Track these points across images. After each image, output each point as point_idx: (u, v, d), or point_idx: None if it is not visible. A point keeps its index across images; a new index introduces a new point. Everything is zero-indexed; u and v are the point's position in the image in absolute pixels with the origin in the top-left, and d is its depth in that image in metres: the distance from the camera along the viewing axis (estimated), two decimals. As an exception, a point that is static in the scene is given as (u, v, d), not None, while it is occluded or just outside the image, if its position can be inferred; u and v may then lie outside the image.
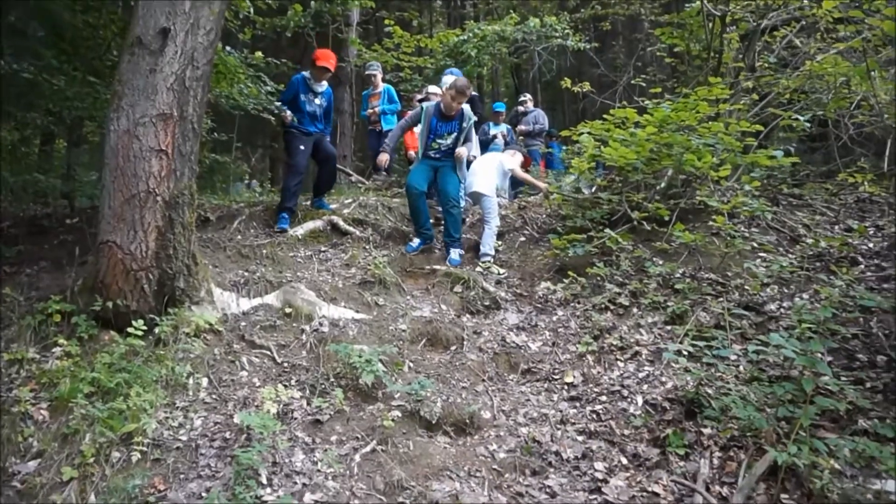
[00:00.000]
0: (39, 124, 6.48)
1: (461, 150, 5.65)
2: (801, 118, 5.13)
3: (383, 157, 5.74)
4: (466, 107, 5.60)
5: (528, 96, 10.62)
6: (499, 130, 8.98)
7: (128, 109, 3.79)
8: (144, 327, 3.63)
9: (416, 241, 5.68)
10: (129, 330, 3.58)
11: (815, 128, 6.65)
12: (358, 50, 11.85)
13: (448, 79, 6.89)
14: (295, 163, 6.05)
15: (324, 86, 6.15)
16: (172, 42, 3.85)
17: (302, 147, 6.01)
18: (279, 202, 6.03)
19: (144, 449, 2.97)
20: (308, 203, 6.48)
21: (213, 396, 3.47)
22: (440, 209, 6.00)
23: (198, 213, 5.28)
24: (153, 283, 3.85)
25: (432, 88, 8.02)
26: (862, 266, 4.37)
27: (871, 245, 4.68)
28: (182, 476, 2.88)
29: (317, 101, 6.12)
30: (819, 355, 3.10)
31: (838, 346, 3.41)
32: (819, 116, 5.69)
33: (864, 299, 3.52)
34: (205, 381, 3.56)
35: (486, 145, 8.48)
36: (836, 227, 5.26)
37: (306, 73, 6.11)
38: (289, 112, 5.98)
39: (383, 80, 8.82)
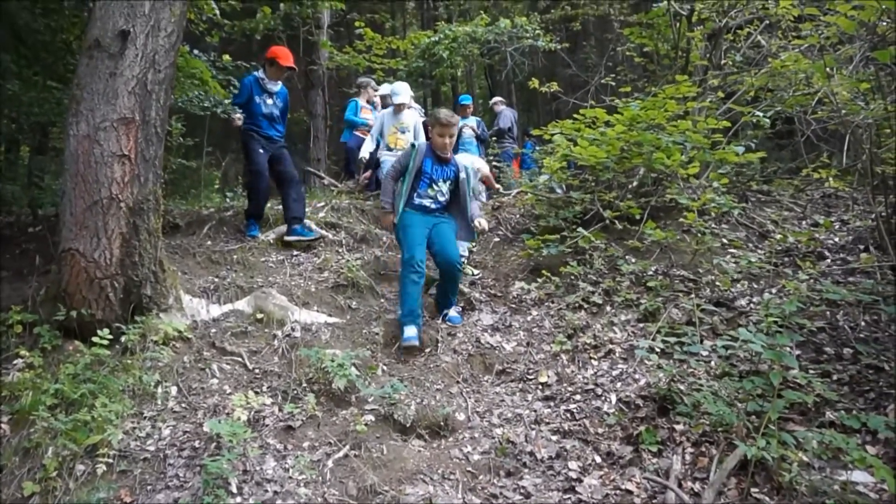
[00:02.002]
0: (1, 131, 6.29)
1: (481, 220, 4.63)
2: (763, 115, 5.21)
3: (389, 219, 4.59)
4: (468, 158, 4.90)
5: (498, 98, 10.68)
6: (466, 123, 8.88)
7: (87, 114, 3.70)
8: (110, 336, 3.54)
9: (411, 330, 4.10)
10: (95, 339, 3.49)
11: (782, 125, 6.77)
12: (329, 52, 11.77)
13: (400, 86, 6.84)
14: (255, 165, 5.67)
15: (278, 85, 5.80)
16: (132, 45, 3.77)
17: (261, 150, 5.65)
18: (246, 208, 5.83)
19: (110, 461, 2.89)
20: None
21: (183, 405, 3.40)
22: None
23: (166, 219, 5.18)
24: (119, 291, 3.76)
25: (384, 89, 8.04)
26: (828, 260, 4.45)
27: (836, 239, 4.77)
28: (149, 487, 2.81)
29: (270, 101, 5.73)
30: (787, 349, 3.15)
31: (805, 340, 3.46)
32: (783, 114, 5.78)
33: (830, 293, 3.57)
34: (174, 390, 3.49)
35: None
36: (804, 222, 5.36)
37: (259, 74, 5.74)
38: (239, 113, 5.65)
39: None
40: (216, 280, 4.69)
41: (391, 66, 11.86)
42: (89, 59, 3.76)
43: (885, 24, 4.29)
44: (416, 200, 4.48)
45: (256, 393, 3.49)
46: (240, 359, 3.85)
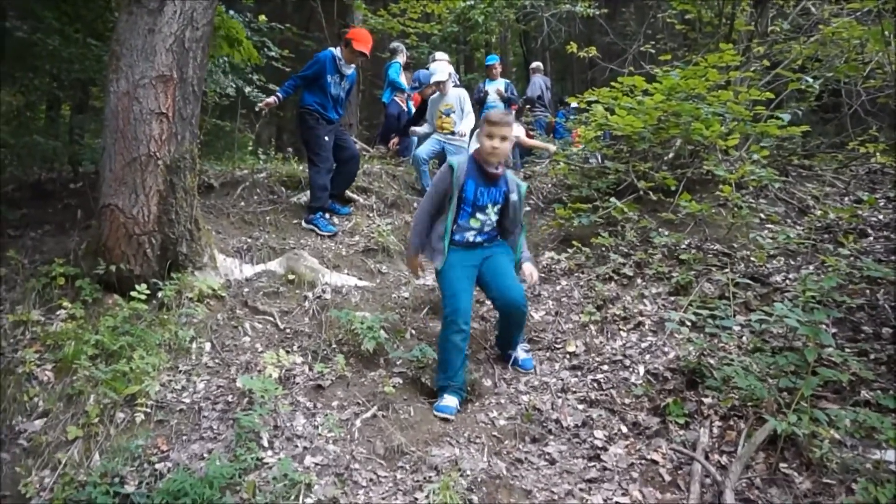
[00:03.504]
0: (43, 88, 6.41)
1: (532, 270, 3.56)
2: (811, 80, 5.00)
3: (415, 263, 3.63)
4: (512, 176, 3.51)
5: (537, 64, 10.40)
6: (493, 87, 8.36)
7: (127, 71, 3.74)
8: (148, 291, 3.64)
9: (451, 400, 3.22)
10: (133, 294, 3.60)
11: (828, 97, 6.52)
12: (364, 15, 11.64)
13: (437, 65, 6.37)
14: (322, 157, 5.23)
15: (351, 68, 5.43)
16: (171, 1, 3.78)
17: (327, 138, 5.24)
18: (310, 201, 5.30)
19: (148, 410, 3.00)
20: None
21: (216, 361, 3.49)
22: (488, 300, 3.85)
23: (201, 179, 5.27)
24: (156, 248, 3.85)
25: (439, 55, 7.80)
26: (871, 238, 4.31)
27: (880, 217, 4.62)
28: (185, 437, 2.91)
29: (343, 84, 5.39)
30: (823, 326, 3.08)
31: (843, 317, 3.38)
32: (830, 85, 5.55)
33: (871, 270, 3.47)
34: (207, 346, 3.58)
35: (480, 105, 8.02)
36: (846, 198, 5.19)
37: (336, 52, 5.30)
38: (272, 98, 5.34)
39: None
40: (249, 241, 4.76)
41: (425, 31, 11.71)
42: (129, 15, 3.78)
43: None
44: (457, 236, 3.41)
45: (287, 352, 3.56)
46: (271, 318, 3.92)
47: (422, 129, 6.55)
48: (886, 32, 4.07)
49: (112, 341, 3.27)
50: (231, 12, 6.77)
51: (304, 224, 5.26)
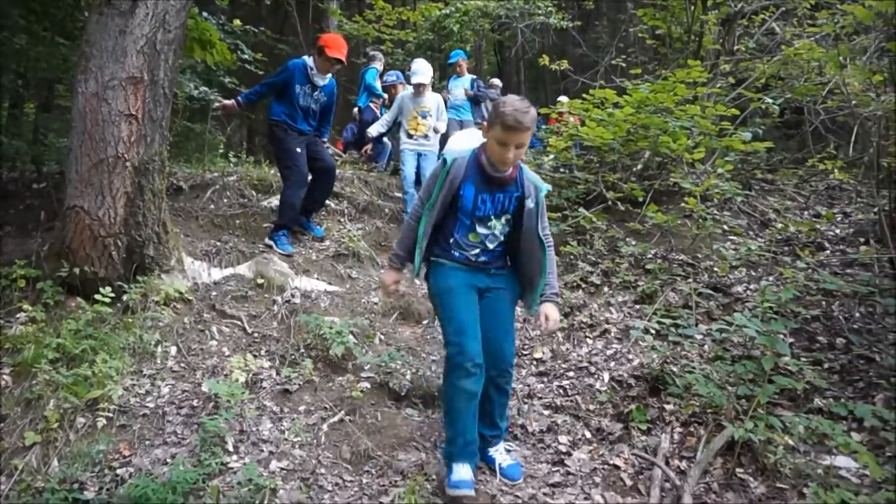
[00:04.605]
0: (8, 86, 6.27)
1: (549, 313, 2.68)
2: (772, 102, 5.18)
3: (391, 278, 2.87)
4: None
5: (496, 80, 10.17)
6: (461, 84, 7.97)
7: (96, 72, 3.69)
8: (112, 294, 3.58)
9: (464, 471, 2.58)
10: (97, 297, 3.53)
11: (790, 114, 6.73)
12: (339, 20, 11.66)
13: (421, 66, 5.98)
14: (294, 170, 4.83)
15: (327, 79, 4.99)
16: (143, 3, 3.75)
17: (298, 150, 4.84)
18: (277, 218, 4.94)
19: (110, 415, 2.95)
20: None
21: (182, 365, 3.45)
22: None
23: (170, 182, 5.21)
24: (121, 250, 3.79)
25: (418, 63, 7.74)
26: (828, 251, 4.47)
27: (837, 231, 4.79)
28: (147, 442, 2.87)
29: (315, 94, 4.95)
30: (780, 336, 3.18)
31: (800, 328, 3.50)
32: (792, 103, 5.75)
33: (827, 283, 3.60)
34: (173, 350, 3.54)
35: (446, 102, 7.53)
36: (806, 212, 5.36)
37: (308, 60, 4.89)
38: (229, 101, 4.98)
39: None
40: (218, 244, 4.72)
41: (400, 38, 11.76)
42: (99, 16, 3.74)
43: (902, 15, 4.25)
44: (456, 251, 2.72)
45: (255, 356, 3.54)
46: (239, 322, 3.90)
47: (376, 127, 6.24)
48: (842, 57, 4.24)
49: (74, 345, 3.21)
50: (204, 14, 6.72)
51: (266, 240, 4.92)
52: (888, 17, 4.07)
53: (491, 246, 2.73)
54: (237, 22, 8.13)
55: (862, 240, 4.47)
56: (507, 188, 2.67)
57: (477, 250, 2.72)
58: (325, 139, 5.30)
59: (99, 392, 2.99)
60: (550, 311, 2.67)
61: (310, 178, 5.07)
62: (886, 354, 3.13)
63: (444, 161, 2.69)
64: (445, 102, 7.63)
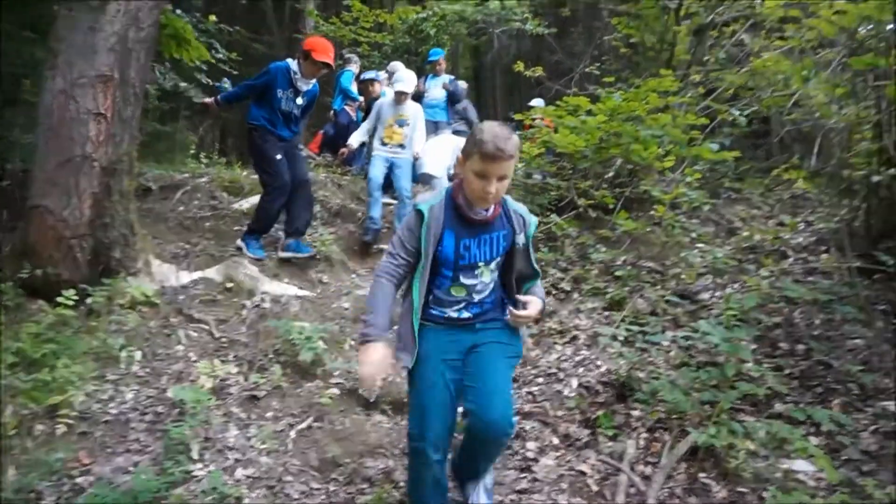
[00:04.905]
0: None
1: (530, 301, 2.30)
2: (738, 113, 5.29)
3: (371, 355, 2.14)
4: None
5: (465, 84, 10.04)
6: (439, 83, 7.81)
7: (64, 68, 3.63)
8: (76, 297, 3.51)
9: None
10: (60, 299, 3.46)
11: (758, 124, 6.88)
12: (316, 22, 11.60)
13: (404, 74, 5.90)
14: (273, 175, 4.67)
15: (310, 83, 4.84)
16: (114, 0, 3.69)
17: (279, 156, 4.68)
18: (252, 222, 4.81)
19: (70, 422, 2.89)
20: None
21: (147, 370, 3.40)
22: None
23: (139, 183, 5.12)
24: (87, 252, 3.73)
25: (395, 67, 7.70)
26: (791, 259, 4.57)
27: (800, 239, 4.90)
28: (109, 450, 2.82)
29: (298, 100, 4.79)
30: (743, 342, 3.25)
31: (762, 335, 3.57)
32: (760, 113, 5.88)
33: (789, 290, 3.68)
34: (138, 355, 3.48)
35: (418, 101, 7.19)
36: (771, 221, 5.48)
37: (292, 64, 4.73)
38: (213, 100, 4.85)
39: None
40: (187, 247, 4.66)
41: (377, 41, 11.73)
42: (69, 11, 3.68)
43: (864, 30, 4.38)
44: (434, 310, 2.33)
45: (222, 361, 3.50)
46: (207, 327, 3.85)
47: (357, 137, 5.99)
48: (807, 70, 4.35)
49: (34, 349, 3.13)
50: (178, 11, 6.63)
51: (237, 242, 4.82)
52: (851, 33, 4.19)
53: (477, 298, 2.31)
54: (212, 18, 8.04)
55: (823, 248, 4.59)
56: (492, 229, 2.26)
57: (460, 305, 2.31)
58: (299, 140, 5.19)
59: (59, 398, 2.92)
60: (534, 301, 2.28)
61: None
62: (843, 360, 3.22)
63: (420, 212, 2.22)
64: (421, 98, 7.55)
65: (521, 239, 2.29)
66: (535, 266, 2.38)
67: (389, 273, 2.23)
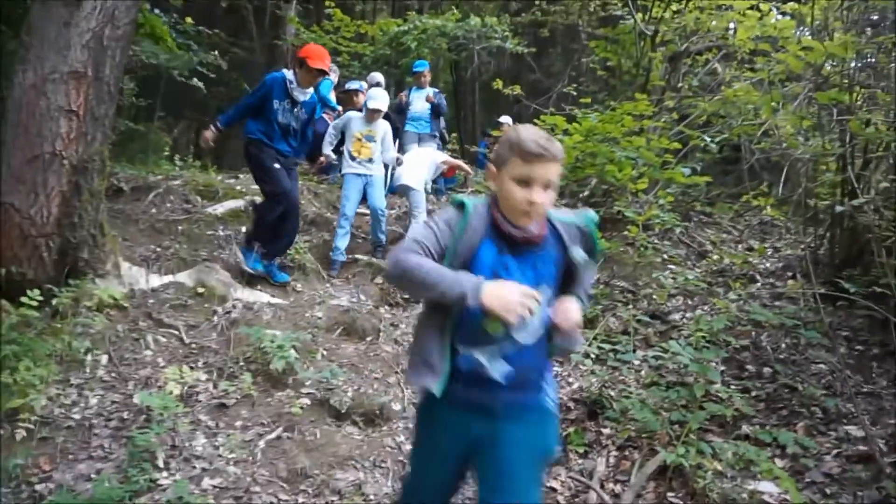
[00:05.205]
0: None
1: (568, 308, 1.69)
2: (709, 140, 5.44)
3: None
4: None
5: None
6: (422, 95, 7.62)
7: (36, 63, 3.54)
8: (41, 298, 3.39)
9: None
10: (24, 300, 3.34)
11: (730, 151, 7.08)
12: (296, 28, 11.56)
13: (377, 92, 5.80)
14: (272, 183, 4.48)
15: (308, 94, 4.66)
16: (92, -4, 3.63)
17: (276, 165, 4.48)
18: (248, 230, 4.68)
19: (31, 427, 2.78)
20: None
21: (113, 375, 3.31)
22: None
23: (110, 183, 5.02)
24: (53, 252, 3.63)
25: (374, 78, 7.70)
26: (759, 283, 4.69)
27: (768, 265, 5.04)
28: (71, 456, 2.73)
29: (295, 111, 4.59)
30: (712, 364, 3.32)
31: (730, 357, 3.65)
32: (731, 141, 6.05)
33: (756, 314, 3.77)
34: (104, 359, 3.39)
35: (401, 113, 7.40)
36: (740, 245, 5.63)
37: (288, 74, 4.57)
38: (212, 128, 4.55)
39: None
40: (158, 250, 4.57)
41: (358, 51, 11.73)
42: (43, 4, 3.60)
43: (829, 67, 4.56)
44: (464, 364, 1.68)
45: (191, 368, 3.43)
46: (176, 332, 3.77)
47: (327, 146, 5.79)
48: (775, 102, 4.50)
49: (-5, 350, 3.03)
50: (156, 11, 6.56)
51: (244, 266, 4.54)
52: (817, 68, 4.35)
53: (521, 344, 1.67)
54: (189, 21, 7.95)
55: (790, 274, 4.72)
56: (540, 249, 1.73)
57: (489, 353, 1.66)
58: (302, 158, 4.84)
59: (20, 401, 2.82)
60: (572, 307, 1.70)
61: None
62: (808, 384, 3.30)
63: (462, 205, 1.71)
64: (405, 110, 7.52)
65: (577, 253, 1.73)
66: (589, 288, 1.87)
67: (416, 252, 1.64)
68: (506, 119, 9.24)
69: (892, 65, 4.32)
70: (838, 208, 3.93)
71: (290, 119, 4.56)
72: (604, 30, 9.23)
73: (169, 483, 2.61)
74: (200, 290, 4.20)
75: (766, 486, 2.69)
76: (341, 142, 5.83)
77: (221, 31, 9.68)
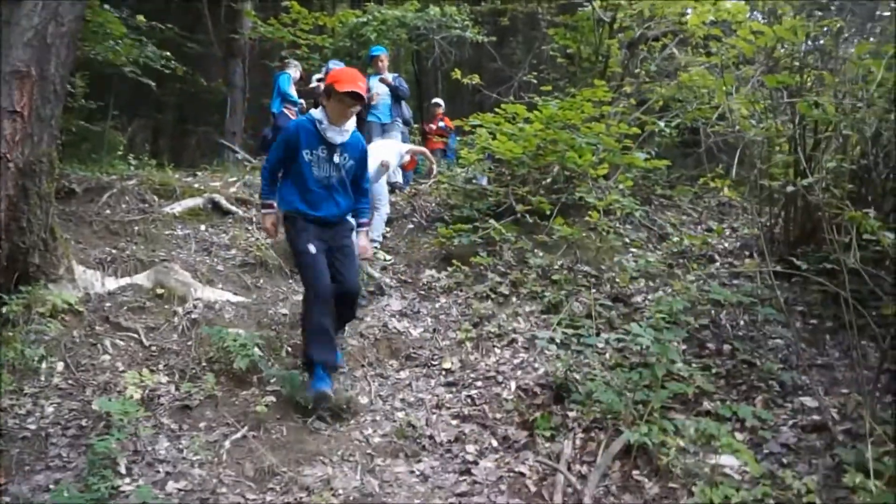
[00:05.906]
0: None
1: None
2: (663, 125, 5.52)
3: None
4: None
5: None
6: (383, 78, 7.24)
7: (-25, 63, 3.41)
8: (-10, 306, 3.30)
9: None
10: (-29, 308, 3.25)
11: (689, 134, 7.19)
12: (253, 22, 11.35)
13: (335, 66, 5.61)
14: (304, 277, 3.48)
15: (347, 133, 3.47)
16: (32, -8, 3.51)
17: (311, 247, 3.37)
18: (305, 348, 3.39)
19: (-17, 439, 2.71)
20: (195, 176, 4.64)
21: (70, 382, 3.23)
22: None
23: (61, 185, 4.87)
24: (2, 258, 3.51)
25: (334, 63, 7.58)
26: (717, 263, 4.79)
27: (726, 245, 5.15)
28: (27, 468, 2.66)
29: (335, 158, 3.44)
30: (673, 344, 3.38)
31: (690, 336, 3.72)
32: (688, 125, 6.16)
33: (715, 293, 3.85)
34: (60, 366, 3.30)
35: (368, 107, 6.93)
36: (699, 227, 5.74)
37: (316, 113, 3.46)
38: (271, 216, 3.64)
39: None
40: (114, 252, 4.46)
41: (317, 43, 11.56)
42: (-21, 4, 3.46)
43: (781, 50, 4.66)
44: None
45: (152, 371, 3.36)
46: (135, 335, 3.69)
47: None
48: (728, 85, 4.59)
49: (-58, 361, 2.93)
50: (107, 6, 6.36)
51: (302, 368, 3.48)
52: (768, 52, 4.45)
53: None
54: (141, 19, 7.74)
55: (747, 253, 4.84)
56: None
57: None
58: (366, 220, 3.83)
59: (-29, 413, 2.74)
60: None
61: None
62: (766, 359, 3.39)
63: None
64: (368, 103, 7.17)
65: None
66: None
67: None
68: (438, 101, 10.17)
69: (839, 47, 4.44)
70: (790, 188, 4.02)
71: (330, 170, 3.46)
72: (563, 17, 9.28)
73: (132, 489, 2.57)
74: (159, 291, 4.12)
75: (726, 460, 2.76)
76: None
77: (176, 26, 9.44)
